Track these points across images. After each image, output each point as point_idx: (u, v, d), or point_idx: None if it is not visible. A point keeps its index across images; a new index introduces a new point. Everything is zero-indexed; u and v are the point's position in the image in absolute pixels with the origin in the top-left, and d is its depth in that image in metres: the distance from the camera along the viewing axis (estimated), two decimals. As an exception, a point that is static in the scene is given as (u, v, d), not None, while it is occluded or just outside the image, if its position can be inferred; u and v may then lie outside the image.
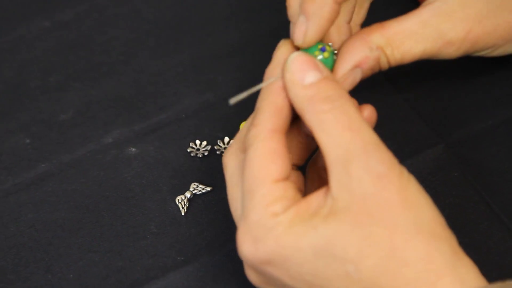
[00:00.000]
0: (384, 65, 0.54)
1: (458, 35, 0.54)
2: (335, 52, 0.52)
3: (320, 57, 0.52)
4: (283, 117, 0.49)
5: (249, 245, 0.48)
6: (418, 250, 0.46)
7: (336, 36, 0.55)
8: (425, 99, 0.62)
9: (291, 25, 0.54)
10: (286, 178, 0.49)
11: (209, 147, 0.59)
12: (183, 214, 0.57)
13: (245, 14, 0.65)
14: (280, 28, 0.60)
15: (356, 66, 0.53)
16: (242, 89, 0.62)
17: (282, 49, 0.51)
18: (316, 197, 0.48)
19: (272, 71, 0.50)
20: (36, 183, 0.59)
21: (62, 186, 0.59)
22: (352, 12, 0.55)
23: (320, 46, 0.52)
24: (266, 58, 0.62)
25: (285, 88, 0.49)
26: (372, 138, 0.47)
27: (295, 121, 0.51)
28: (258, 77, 0.63)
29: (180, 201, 0.57)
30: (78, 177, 0.59)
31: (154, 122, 0.61)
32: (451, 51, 0.54)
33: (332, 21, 0.52)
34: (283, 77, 0.49)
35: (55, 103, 0.62)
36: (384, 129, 0.59)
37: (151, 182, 0.58)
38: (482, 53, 0.56)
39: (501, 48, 0.56)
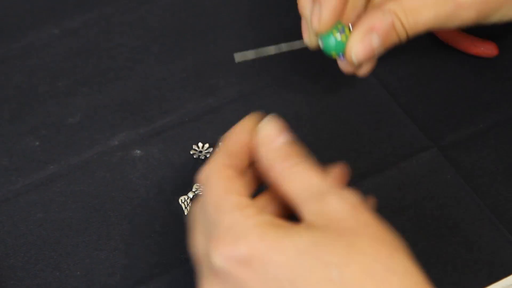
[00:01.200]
0: (401, 31, 0.53)
1: None
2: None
3: (338, 37, 0.53)
4: (237, 159, 0.49)
5: (226, 245, 0.45)
6: (404, 262, 0.45)
7: (352, 11, 0.55)
8: (418, 104, 0.62)
9: (302, 21, 0.55)
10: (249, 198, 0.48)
11: (211, 150, 0.60)
12: (186, 213, 0.57)
13: (246, 22, 0.65)
14: (280, 35, 0.61)
15: (371, 29, 0.53)
16: (242, 94, 0.63)
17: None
18: (291, 223, 0.46)
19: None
20: (45, 184, 0.59)
21: (70, 187, 0.59)
22: None
23: (340, 26, 0.53)
24: (266, 65, 0.63)
25: (254, 145, 0.49)
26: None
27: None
28: (259, 82, 0.64)
29: (183, 201, 0.58)
30: (85, 178, 0.59)
31: (158, 125, 0.62)
32: (464, 13, 0.53)
33: (343, 1, 0.53)
34: (256, 136, 0.49)
35: (63, 107, 0.62)
36: (379, 133, 0.61)
37: (156, 183, 0.59)
38: (499, 15, 0.54)
39: None
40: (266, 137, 0.49)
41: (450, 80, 0.63)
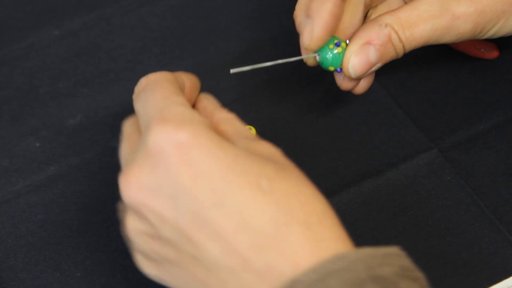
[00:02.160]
0: (398, 45, 0.53)
1: (461, 6, 0.53)
2: None
3: (335, 51, 0.53)
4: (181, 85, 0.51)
5: (170, 126, 0.45)
6: (320, 194, 0.46)
7: (349, 24, 0.55)
8: (418, 105, 0.62)
9: (300, 39, 0.54)
10: None
11: None
12: None
13: (246, 23, 0.65)
14: (279, 37, 0.61)
15: (367, 43, 0.53)
16: (243, 95, 0.63)
17: None
18: None
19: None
20: (45, 185, 0.59)
21: (71, 188, 0.59)
22: (365, 9, 0.56)
23: (336, 41, 0.53)
24: (266, 67, 0.63)
25: None
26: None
27: None
28: (259, 84, 0.64)
29: None
30: (86, 179, 0.59)
31: None
32: (461, 25, 0.53)
33: (336, 15, 0.53)
34: (201, 98, 0.52)
35: (64, 108, 0.62)
36: (379, 134, 0.61)
37: None
38: (495, 28, 0.54)
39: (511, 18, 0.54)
40: (213, 100, 0.53)
41: (451, 81, 0.63)
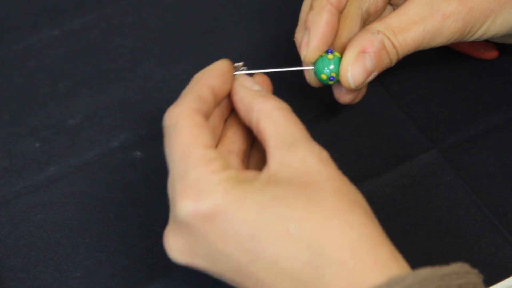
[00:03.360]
0: (392, 51, 0.53)
1: (451, 5, 0.53)
2: None
3: (328, 57, 0.53)
4: (206, 105, 0.50)
5: (191, 199, 0.47)
6: (361, 216, 0.46)
7: (347, 37, 0.55)
8: (418, 105, 0.62)
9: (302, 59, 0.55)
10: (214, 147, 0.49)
11: None
12: None
13: (245, 23, 0.65)
14: (279, 36, 0.61)
15: (362, 51, 0.52)
16: None
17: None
18: (255, 172, 0.48)
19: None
20: (45, 185, 0.59)
21: (71, 188, 0.59)
22: (362, 24, 0.56)
23: (323, 54, 0.53)
24: (265, 66, 0.61)
25: (232, 90, 0.51)
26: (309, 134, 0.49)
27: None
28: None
29: None
30: (85, 179, 0.59)
31: (158, 127, 0.60)
32: (451, 24, 0.53)
33: (332, 25, 0.53)
34: (235, 89, 0.51)
35: (63, 109, 0.62)
36: (379, 134, 0.60)
37: (155, 184, 0.58)
38: (484, 28, 0.54)
39: (500, 17, 0.54)
40: (247, 80, 0.51)
41: (450, 82, 0.63)
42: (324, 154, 0.48)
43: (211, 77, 0.51)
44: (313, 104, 0.62)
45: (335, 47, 0.54)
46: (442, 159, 0.59)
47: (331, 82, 0.54)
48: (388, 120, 0.61)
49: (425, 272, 0.44)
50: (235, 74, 0.52)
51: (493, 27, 0.54)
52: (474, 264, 0.53)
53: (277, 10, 0.65)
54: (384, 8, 0.57)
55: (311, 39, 0.53)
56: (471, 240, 0.57)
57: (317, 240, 0.45)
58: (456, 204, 0.58)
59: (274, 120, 0.49)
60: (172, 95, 0.62)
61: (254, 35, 0.64)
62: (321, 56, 0.53)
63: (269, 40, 0.64)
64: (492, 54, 0.62)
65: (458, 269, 0.45)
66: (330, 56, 0.53)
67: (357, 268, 0.45)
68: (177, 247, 0.48)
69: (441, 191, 0.58)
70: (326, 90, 0.63)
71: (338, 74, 0.53)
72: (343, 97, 0.55)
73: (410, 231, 0.57)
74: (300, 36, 0.55)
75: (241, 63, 0.52)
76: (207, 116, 0.50)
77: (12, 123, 0.62)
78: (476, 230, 0.57)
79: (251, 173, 0.48)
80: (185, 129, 0.48)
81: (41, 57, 0.64)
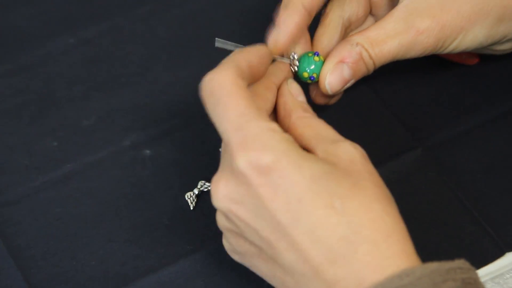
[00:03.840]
0: (368, 62, 0.54)
1: (424, 22, 0.53)
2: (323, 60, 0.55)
3: (312, 61, 0.54)
4: (244, 75, 0.49)
5: (253, 152, 0.46)
6: (395, 209, 0.47)
7: (327, 44, 0.56)
8: (405, 107, 0.62)
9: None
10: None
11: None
12: (191, 208, 0.58)
13: (246, 32, 0.65)
14: None
15: (341, 61, 0.53)
16: None
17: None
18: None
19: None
20: (62, 181, 0.59)
21: (86, 184, 0.59)
22: (343, 32, 0.56)
23: (310, 55, 0.54)
24: None
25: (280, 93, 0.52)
26: None
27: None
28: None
29: (189, 197, 0.58)
30: (99, 175, 0.59)
31: (166, 127, 0.62)
32: (425, 40, 0.53)
33: (301, 28, 0.53)
34: (283, 92, 0.52)
35: (79, 111, 0.62)
36: (369, 134, 0.61)
37: (164, 180, 0.59)
38: (455, 43, 0.55)
39: (470, 33, 0.54)
40: (295, 89, 0.52)
41: (435, 86, 0.63)
42: (364, 152, 0.49)
43: (251, 54, 0.51)
44: (310, 107, 0.61)
45: (318, 50, 0.55)
46: (427, 157, 0.60)
47: (309, 81, 0.55)
48: (377, 121, 0.61)
49: (433, 266, 0.45)
50: (275, 59, 0.52)
51: (463, 42, 0.54)
52: (455, 253, 0.54)
53: (271, 21, 0.64)
54: (365, 18, 0.58)
55: (280, 37, 0.53)
56: (453, 231, 0.57)
57: (357, 218, 0.45)
58: (439, 198, 0.58)
59: (313, 125, 0.50)
60: (178, 98, 0.63)
61: (251, 43, 0.62)
62: (307, 55, 0.54)
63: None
64: (473, 60, 0.62)
65: (462, 265, 0.46)
66: (316, 58, 0.54)
67: (388, 252, 0.45)
68: (226, 192, 0.48)
69: (425, 186, 0.59)
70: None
71: (318, 76, 0.54)
72: (318, 99, 0.57)
73: None
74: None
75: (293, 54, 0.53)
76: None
77: (32, 124, 0.62)
78: (457, 222, 0.57)
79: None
80: (237, 91, 0.47)
81: (58, 63, 0.64)
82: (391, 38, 0.53)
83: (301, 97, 0.52)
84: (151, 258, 0.56)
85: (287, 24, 0.53)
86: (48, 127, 0.62)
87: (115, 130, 0.61)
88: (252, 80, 0.51)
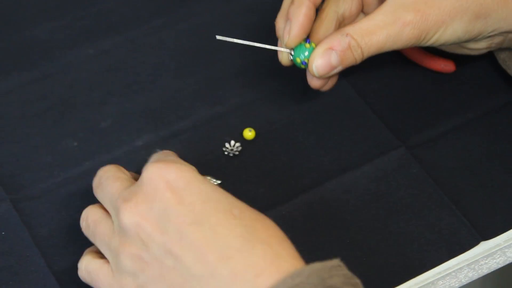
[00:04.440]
0: (357, 51, 0.54)
1: (410, 15, 0.53)
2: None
3: (305, 45, 0.55)
4: None
5: (162, 164, 0.48)
6: (271, 220, 0.48)
7: (322, 35, 0.57)
8: (389, 111, 0.62)
9: (278, 42, 0.56)
10: None
11: (240, 147, 0.60)
12: None
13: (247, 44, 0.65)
14: (274, 55, 0.60)
15: (330, 48, 0.54)
16: (244, 103, 0.63)
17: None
18: None
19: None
20: (82, 177, 0.59)
21: None
22: (337, 25, 0.57)
23: (307, 45, 0.55)
24: (263, 78, 0.63)
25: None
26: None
27: None
28: (258, 93, 0.63)
29: None
30: None
31: (175, 129, 0.62)
32: (409, 31, 0.53)
33: (309, 17, 0.55)
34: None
35: (97, 114, 0.62)
36: (357, 135, 0.61)
37: None
38: (436, 36, 0.55)
39: (450, 27, 0.54)
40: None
41: (416, 91, 0.63)
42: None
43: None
44: (303, 111, 0.63)
45: (313, 40, 0.56)
46: (409, 155, 0.60)
47: (303, 66, 0.56)
48: (365, 123, 0.62)
49: (318, 265, 0.46)
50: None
51: (443, 36, 0.55)
52: (435, 242, 0.56)
53: (270, 34, 0.62)
54: (357, 14, 0.59)
55: (292, 29, 0.54)
56: (433, 222, 0.57)
57: (254, 224, 0.47)
58: (421, 192, 0.58)
59: None
60: (186, 102, 0.63)
61: (253, 54, 0.64)
62: (300, 43, 0.55)
63: (264, 57, 0.63)
64: (451, 68, 0.63)
65: (339, 263, 0.46)
66: (307, 45, 0.55)
67: (282, 252, 0.46)
68: (134, 207, 0.49)
69: (408, 181, 0.59)
70: (315, 99, 0.63)
71: None
72: (313, 82, 0.57)
73: (383, 214, 0.58)
74: (281, 23, 0.56)
75: None
76: None
77: (55, 126, 0.62)
78: (436, 214, 0.57)
79: None
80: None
81: (78, 71, 0.64)
82: (380, 29, 0.53)
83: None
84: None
85: (297, 17, 0.54)
86: (69, 128, 0.62)
87: (129, 131, 0.62)
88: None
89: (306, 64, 0.55)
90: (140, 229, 0.47)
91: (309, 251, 0.49)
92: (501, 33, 0.56)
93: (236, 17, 0.67)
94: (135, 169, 0.59)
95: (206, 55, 0.65)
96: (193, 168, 0.49)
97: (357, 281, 0.46)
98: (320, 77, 0.56)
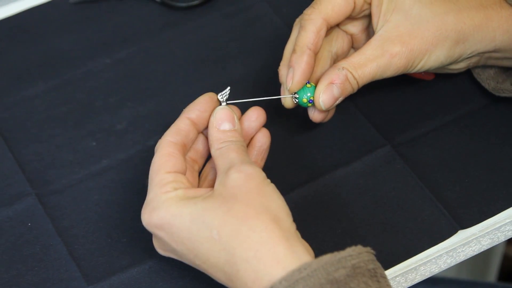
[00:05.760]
0: (353, 82, 0.54)
1: (396, 47, 0.54)
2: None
3: (308, 92, 0.54)
4: (182, 137, 0.51)
5: (147, 214, 0.49)
6: (264, 222, 0.46)
7: (320, 73, 0.56)
8: (376, 113, 0.62)
9: (281, 87, 0.56)
10: (180, 172, 0.50)
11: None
12: None
13: (249, 53, 0.66)
14: (273, 64, 0.60)
15: (330, 83, 0.54)
16: (247, 108, 0.63)
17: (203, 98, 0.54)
18: (205, 190, 0.50)
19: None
20: (100, 174, 0.59)
21: (119, 176, 0.59)
22: (332, 63, 0.57)
23: (309, 85, 0.55)
24: (263, 86, 0.63)
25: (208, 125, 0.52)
26: (249, 158, 0.50)
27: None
28: (257, 97, 0.61)
29: None
30: (130, 169, 0.60)
31: None
32: (397, 61, 0.54)
33: (310, 65, 0.54)
34: (209, 125, 0.52)
35: (113, 117, 0.62)
36: (347, 135, 0.61)
37: None
38: (422, 63, 0.55)
39: (433, 55, 0.55)
40: (216, 120, 0.52)
41: (400, 96, 0.63)
42: (250, 170, 0.48)
43: (191, 111, 0.52)
44: (298, 113, 0.62)
45: (311, 79, 0.56)
46: (394, 153, 0.60)
47: (310, 105, 0.56)
48: (353, 124, 0.62)
49: (326, 258, 0.45)
50: (222, 103, 0.52)
51: (428, 62, 0.55)
52: (418, 231, 0.55)
53: (272, 44, 0.65)
54: (348, 51, 0.59)
55: (295, 75, 0.54)
56: (415, 213, 0.57)
57: (230, 243, 0.46)
58: (404, 186, 0.58)
59: (224, 155, 0.50)
60: None
61: (254, 63, 0.65)
62: (305, 89, 0.55)
63: (264, 66, 0.64)
64: (431, 76, 0.63)
65: (352, 252, 0.46)
66: (308, 85, 0.55)
67: (259, 265, 0.45)
68: (156, 245, 0.51)
69: (393, 176, 0.59)
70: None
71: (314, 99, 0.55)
72: (316, 117, 0.57)
73: (370, 206, 0.58)
74: (283, 70, 0.56)
75: (227, 88, 0.53)
76: (184, 142, 0.51)
77: (75, 128, 0.62)
78: (419, 205, 0.57)
79: (200, 191, 0.49)
80: (157, 157, 0.51)
81: (96, 78, 0.64)
82: (370, 62, 0.54)
83: (226, 125, 0.51)
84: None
85: (299, 65, 0.54)
86: (88, 130, 0.62)
87: (142, 132, 0.62)
88: (200, 127, 0.52)
89: (312, 102, 0.55)
90: (168, 256, 0.51)
91: (305, 239, 0.49)
92: (478, 54, 0.56)
93: (239, 29, 0.67)
94: (148, 167, 0.58)
95: (212, 64, 0.65)
96: (171, 200, 0.48)
97: (370, 267, 0.45)
98: (326, 110, 0.55)
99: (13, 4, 0.67)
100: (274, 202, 0.48)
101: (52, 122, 0.62)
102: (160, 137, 0.61)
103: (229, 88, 0.54)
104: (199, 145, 0.53)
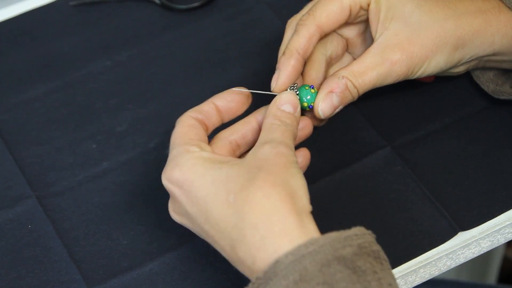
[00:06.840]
0: (353, 90, 0.55)
1: (396, 55, 0.54)
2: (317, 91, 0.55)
3: (310, 91, 0.55)
4: (203, 117, 0.52)
5: (169, 170, 0.49)
6: (280, 194, 0.46)
7: (315, 76, 0.57)
8: (377, 115, 0.62)
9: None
10: (202, 141, 0.51)
11: None
12: None
13: (249, 55, 0.66)
14: (273, 66, 0.59)
15: (330, 91, 0.54)
16: (248, 110, 0.62)
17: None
18: (233, 158, 0.50)
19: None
20: (100, 176, 0.59)
21: (119, 178, 0.59)
22: (326, 67, 0.57)
23: (307, 87, 0.55)
24: (263, 88, 0.61)
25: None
26: (291, 143, 0.50)
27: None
28: (257, 102, 0.61)
29: None
30: (130, 171, 0.60)
31: None
32: (398, 69, 0.54)
33: (297, 69, 0.54)
34: (275, 100, 0.53)
35: (113, 119, 0.62)
36: (347, 136, 0.61)
37: None
38: (422, 69, 0.55)
39: (433, 61, 0.55)
40: (281, 99, 0.52)
41: (401, 98, 0.63)
42: (283, 149, 0.48)
43: (218, 98, 0.54)
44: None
45: (306, 82, 0.56)
46: (394, 155, 0.60)
47: (309, 109, 0.56)
48: (354, 126, 0.62)
49: (333, 235, 0.45)
50: (234, 89, 0.54)
51: (428, 68, 0.55)
52: (418, 233, 0.55)
53: (272, 46, 0.63)
54: (343, 55, 0.59)
55: (280, 77, 0.54)
56: (415, 214, 0.57)
57: (243, 207, 0.46)
58: (404, 188, 0.58)
59: (269, 130, 0.50)
60: None
61: (252, 65, 0.65)
62: (304, 88, 0.55)
63: (262, 68, 0.64)
64: (430, 78, 0.63)
65: (358, 231, 0.46)
66: (312, 90, 0.55)
67: (267, 233, 0.45)
68: (171, 208, 0.51)
69: (393, 177, 0.59)
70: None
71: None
72: (312, 122, 0.56)
73: (371, 208, 0.58)
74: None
75: (295, 84, 0.55)
76: (205, 123, 0.52)
77: (76, 130, 0.62)
78: (419, 207, 0.57)
79: (227, 158, 0.49)
80: (177, 129, 0.51)
81: (97, 81, 0.64)
82: (370, 70, 0.54)
83: (287, 106, 0.52)
84: (172, 238, 0.56)
85: (286, 68, 0.54)
86: (88, 132, 0.62)
87: (142, 134, 0.62)
88: (224, 116, 0.53)
89: (312, 107, 0.55)
90: (179, 221, 0.51)
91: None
92: (476, 58, 0.56)
93: (239, 32, 0.67)
94: (148, 169, 0.60)
95: (212, 66, 0.66)
96: (194, 158, 0.49)
97: (374, 248, 0.45)
98: (325, 118, 0.55)
99: (13, 6, 0.67)
100: (296, 181, 0.47)
101: (52, 124, 0.62)
102: (160, 139, 0.62)
103: (296, 83, 0.55)
104: (249, 132, 0.53)
